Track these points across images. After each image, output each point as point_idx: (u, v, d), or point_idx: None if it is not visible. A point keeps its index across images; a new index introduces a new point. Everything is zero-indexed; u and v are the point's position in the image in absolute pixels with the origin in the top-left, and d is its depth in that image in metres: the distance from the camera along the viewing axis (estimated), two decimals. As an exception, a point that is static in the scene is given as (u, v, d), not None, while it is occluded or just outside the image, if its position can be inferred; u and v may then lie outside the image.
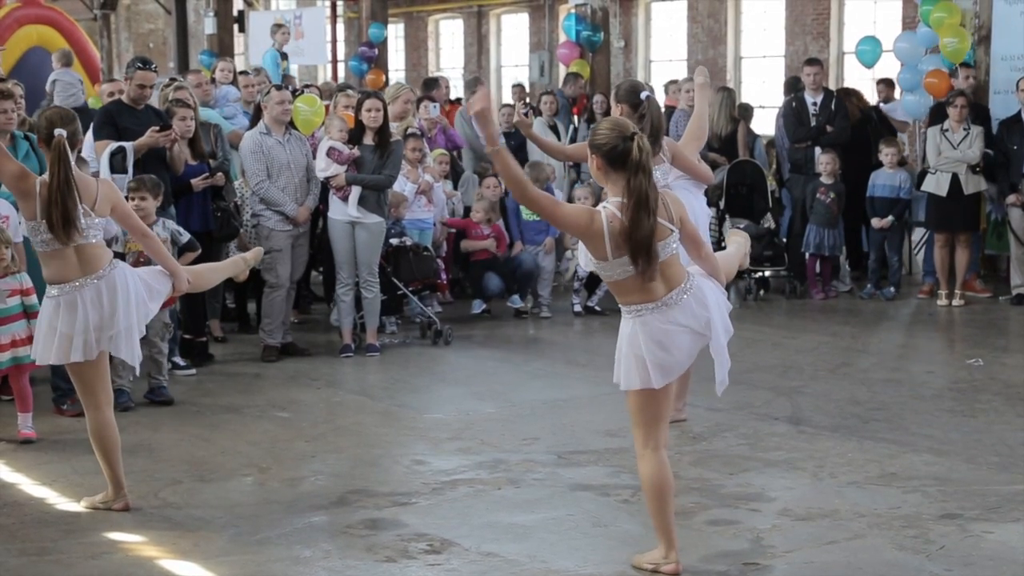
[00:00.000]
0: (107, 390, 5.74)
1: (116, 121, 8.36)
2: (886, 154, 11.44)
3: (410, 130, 10.38)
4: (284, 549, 5.19)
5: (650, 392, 4.82)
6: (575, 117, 13.93)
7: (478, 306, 10.82)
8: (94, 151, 8.39)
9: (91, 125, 8.49)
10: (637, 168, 4.61)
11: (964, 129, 11.01)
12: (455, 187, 11.43)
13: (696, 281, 4.87)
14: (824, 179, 11.45)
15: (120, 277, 5.55)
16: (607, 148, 4.68)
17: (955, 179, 10.99)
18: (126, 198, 7.15)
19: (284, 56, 15.87)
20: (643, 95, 6.72)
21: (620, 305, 4.90)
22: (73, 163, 5.50)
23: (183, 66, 25.96)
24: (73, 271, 5.47)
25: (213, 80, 11.52)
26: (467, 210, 11.25)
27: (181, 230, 7.90)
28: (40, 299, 7.01)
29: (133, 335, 5.59)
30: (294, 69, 25.20)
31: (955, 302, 11.02)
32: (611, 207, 4.69)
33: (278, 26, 16.37)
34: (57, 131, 5.44)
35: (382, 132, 9.14)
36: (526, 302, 10.80)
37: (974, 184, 11.07)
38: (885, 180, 11.46)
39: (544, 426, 7.13)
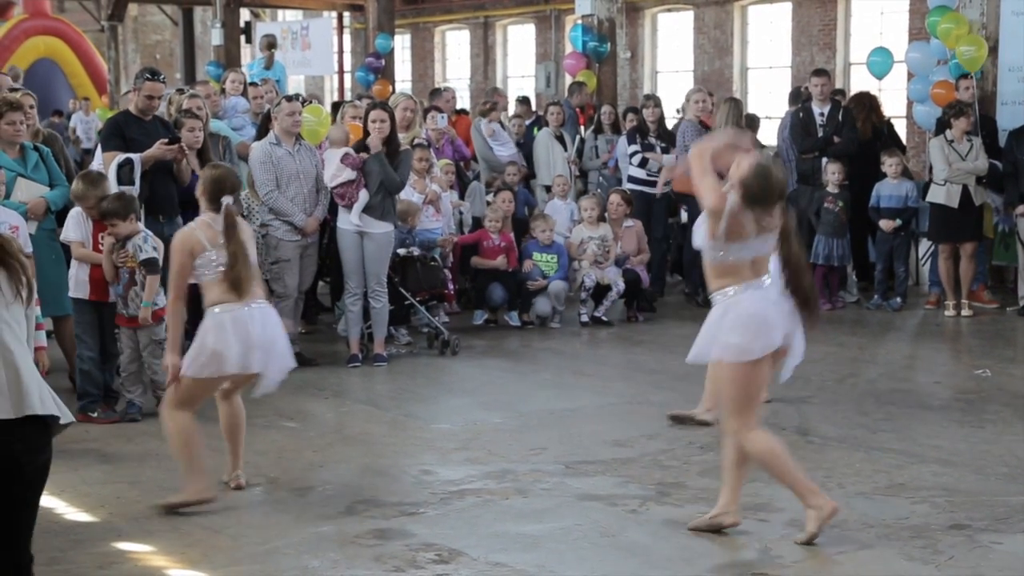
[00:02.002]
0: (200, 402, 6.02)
1: (124, 132, 8.37)
2: (889, 165, 11.44)
3: (417, 141, 10.40)
4: (292, 559, 5.19)
5: (749, 367, 5.17)
6: (581, 128, 13.95)
7: (479, 316, 10.83)
8: (103, 163, 8.41)
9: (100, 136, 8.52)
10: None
11: (968, 140, 11.02)
12: (461, 197, 11.45)
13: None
14: (831, 188, 11.45)
15: (270, 310, 6.07)
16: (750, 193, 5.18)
17: (965, 190, 10.99)
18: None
19: (269, 67, 15.88)
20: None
21: (712, 292, 5.42)
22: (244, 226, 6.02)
23: (190, 77, 26.09)
24: (235, 297, 5.88)
25: (223, 91, 11.56)
26: (475, 220, 11.27)
27: (143, 246, 7.45)
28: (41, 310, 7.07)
29: (285, 361, 6.04)
30: (300, 81, 25.34)
31: (963, 313, 11.01)
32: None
33: (270, 43, 16.36)
34: (224, 200, 5.91)
35: (390, 142, 9.16)
36: (529, 315, 10.79)
37: (981, 195, 11.08)
38: (891, 191, 11.46)
39: (552, 436, 7.13)
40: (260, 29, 21.58)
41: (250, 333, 5.84)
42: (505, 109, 13.91)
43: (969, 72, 11.69)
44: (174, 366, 5.89)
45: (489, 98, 14.18)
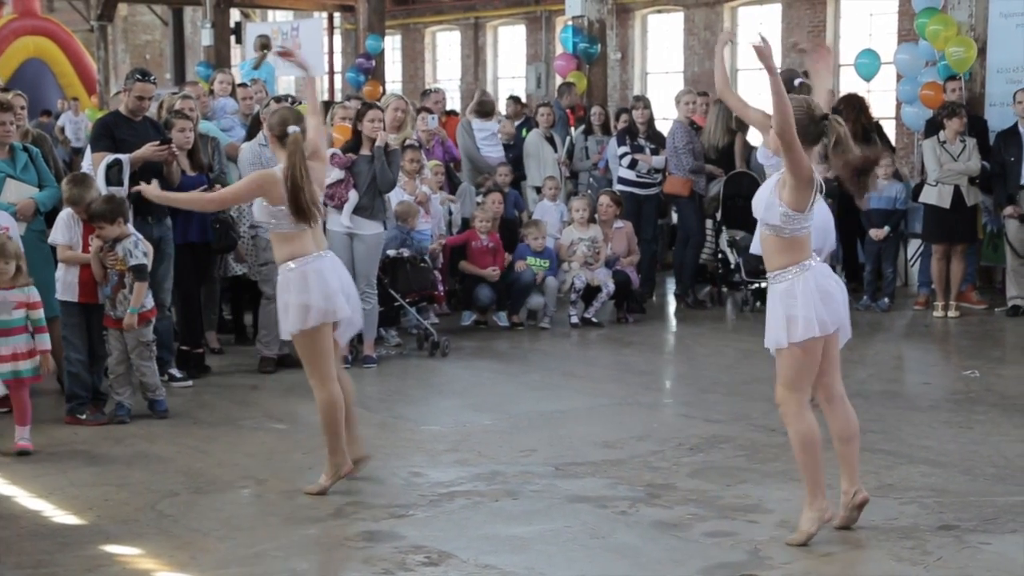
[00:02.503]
0: (332, 364, 6.13)
1: (113, 133, 8.35)
2: (880, 166, 11.45)
3: (408, 142, 10.39)
4: (281, 561, 5.18)
5: (815, 344, 5.21)
6: (572, 129, 13.95)
7: (468, 317, 10.83)
8: (91, 163, 8.39)
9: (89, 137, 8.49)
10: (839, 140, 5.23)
11: (961, 141, 11.05)
12: (451, 195, 11.43)
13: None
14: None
15: (337, 259, 6.33)
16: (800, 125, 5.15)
17: (957, 191, 11.03)
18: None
19: (257, 67, 15.86)
20: (796, 81, 7.30)
21: (774, 271, 5.30)
22: (306, 154, 6.07)
23: (180, 78, 26.07)
24: (310, 246, 6.08)
25: (211, 92, 11.54)
26: (464, 221, 11.27)
27: (134, 251, 7.46)
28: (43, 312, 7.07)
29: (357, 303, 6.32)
30: (290, 82, 25.29)
31: (951, 314, 11.04)
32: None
33: (263, 42, 16.34)
34: (291, 128, 6.05)
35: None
36: (518, 316, 10.80)
37: (973, 195, 11.12)
38: (880, 192, 11.48)
39: (541, 438, 7.13)
40: (250, 30, 21.53)
41: (327, 281, 6.04)
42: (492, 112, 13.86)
43: (958, 73, 11.72)
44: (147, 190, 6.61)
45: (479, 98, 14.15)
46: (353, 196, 9.04)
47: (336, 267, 6.22)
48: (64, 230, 7.60)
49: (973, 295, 11.55)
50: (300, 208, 5.98)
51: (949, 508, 5.72)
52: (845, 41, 18.03)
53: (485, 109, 13.01)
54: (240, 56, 22.95)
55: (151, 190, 6.75)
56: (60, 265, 7.65)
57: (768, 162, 7.44)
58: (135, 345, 7.54)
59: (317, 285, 6.00)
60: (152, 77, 8.55)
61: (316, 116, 6.46)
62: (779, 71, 7.33)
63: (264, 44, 16.27)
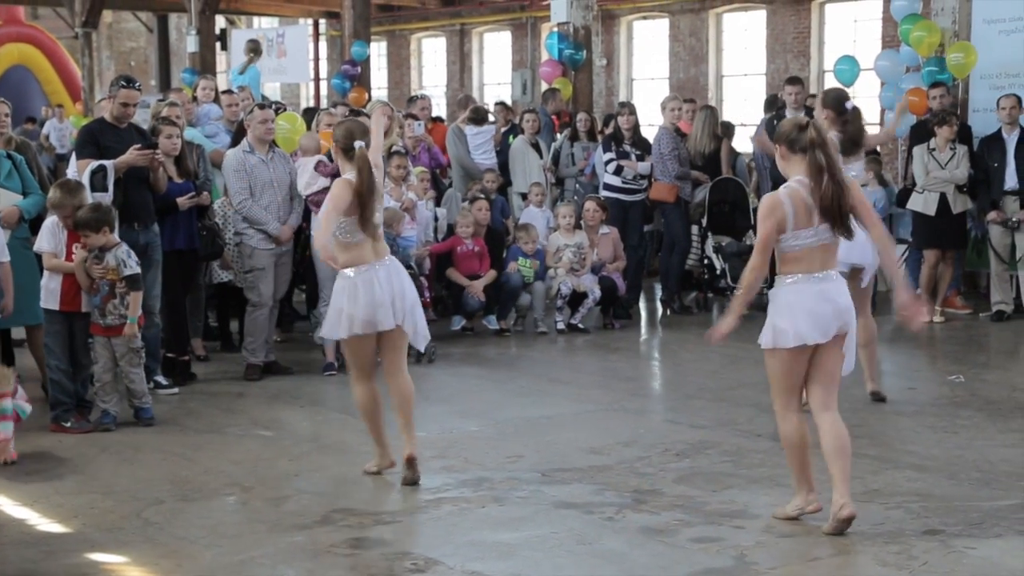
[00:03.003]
0: (367, 367, 6.52)
1: (98, 140, 8.34)
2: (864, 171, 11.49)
3: (395, 148, 10.39)
4: (267, 568, 5.17)
5: (790, 355, 5.45)
6: (557, 135, 13.95)
7: (457, 322, 10.84)
8: (77, 170, 8.37)
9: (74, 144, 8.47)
10: (813, 146, 5.44)
11: (951, 149, 11.10)
12: (438, 204, 11.44)
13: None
14: None
15: (399, 265, 6.48)
16: (786, 137, 5.59)
17: (943, 198, 11.07)
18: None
19: (243, 72, 15.84)
20: (848, 104, 7.70)
21: (781, 274, 5.60)
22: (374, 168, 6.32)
23: (165, 84, 25.99)
24: (370, 256, 6.32)
25: (195, 99, 11.52)
26: (450, 228, 11.27)
27: (128, 261, 7.49)
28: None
29: (418, 314, 6.46)
30: (276, 88, 25.29)
31: (936, 319, 11.08)
32: (793, 184, 5.53)
33: (253, 46, 16.34)
34: (357, 143, 6.29)
35: None
36: (507, 320, 10.81)
37: (961, 203, 11.17)
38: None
39: (528, 444, 7.13)
40: (236, 36, 21.51)
41: (375, 293, 6.24)
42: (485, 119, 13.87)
43: (946, 79, 11.78)
44: None
45: (463, 104, 14.16)
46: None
47: (392, 276, 6.35)
48: (49, 238, 7.58)
49: (957, 300, 11.61)
50: (367, 219, 6.26)
51: (934, 513, 5.74)
52: (829, 47, 18.09)
53: (480, 115, 13.04)
54: (226, 63, 22.95)
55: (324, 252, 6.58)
56: (45, 272, 7.63)
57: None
58: (125, 352, 7.53)
59: (365, 297, 6.24)
60: (137, 84, 8.53)
61: (376, 136, 6.57)
62: (828, 91, 7.87)
63: (254, 48, 16.26)
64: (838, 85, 13.50)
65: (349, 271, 6.31)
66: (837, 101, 7.94)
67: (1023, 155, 10.94)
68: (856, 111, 7.93)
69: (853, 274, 7.39)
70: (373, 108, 10.66)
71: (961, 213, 11.22)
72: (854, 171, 7.60)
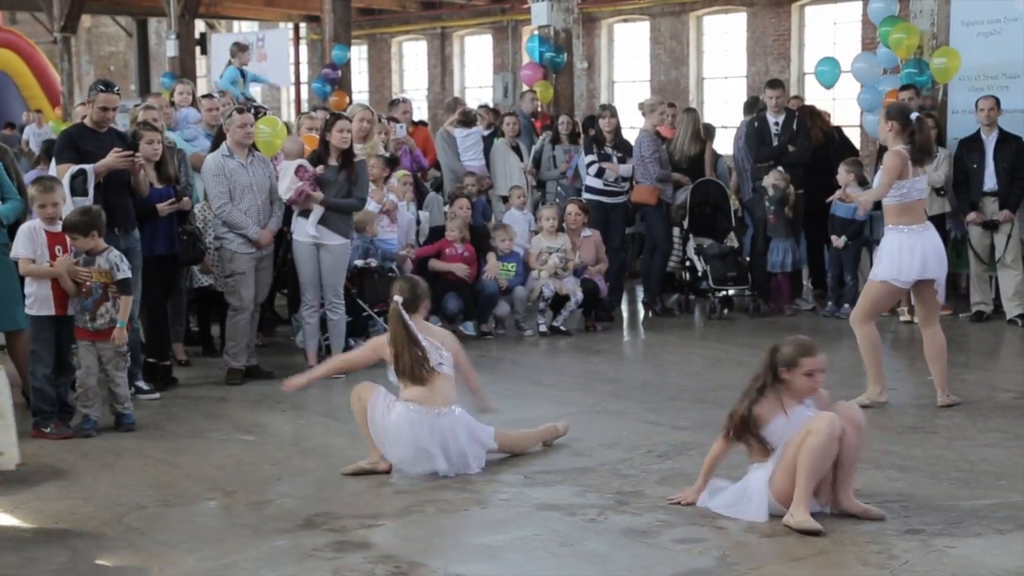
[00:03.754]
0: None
1: (78, 144, 8.30)
2: (845, 174, 11.52)
3: (378, 152, 10.39)
4: (250, 573, 5.16)
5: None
6: (538, 138, 13.94)
7: (434, 323, 10.81)
8: (57, 175, 8.34)
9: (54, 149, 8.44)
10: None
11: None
12: (420, 207, 11.44)
13: None
14: (772, 193, 11.51)
15: (462, 418, 6.64)
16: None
17: (919, 200, 11.12)
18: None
19: (243, 75, 15.85)
20: (913, 116, 7.98)
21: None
22: (410, 322, 6.66)
23: (144, 88, 25.94)
24: (427, 399, 6.56)
25: (172, 103, 11.49)
26: (431, 231, 11.26)
27: (120, 265, 7.51)
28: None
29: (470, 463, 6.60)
30: (256, 90, 25.21)
31: (915, 319, 11.11)
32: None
33: (239, 46, 16.35)
34: (394, 299, 6.67)
35: (346, 153, 9.16)
36: (487, 325, 10.81)
37: (938, 205, 11.23)
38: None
39: (510, 446, 7.13)
40: (215, 40, 21.50)
41: (418, 438, 6.48)
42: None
43: (912, 84, 11.82)
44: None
45: (451, 107, 14.17)
46: (318, 209, 9.04)
47: (446, 428, 6.52)
48: (26, 242, 7.54)
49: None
50: (401, 370, 6.62)
51: (915, 512, 5.77)
52: (809, 50, 18.17)
53: (469, 118, 13.06)
54: (206, 67, 22.89)
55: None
56: (30, 280, 7.57)
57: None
58: (112, 356, 7.52)
59: (425, 435, 6.49)
60: (116, 88, 8.50)
61: (472, 382, 6.96)
62: (891, 104, 8.46)
63: (240, 48, 16.26)
64: (818, 87, 13.57)
65: (412, 404, 6.58)
66: (901, 113, 7.96)
67: (1002, 156, 11.01)
68: (921, 120, 8.01)
69: (924, 287, 8.01)
70: (353, 112, 10.67)
71: (939, 215, 11.27)
72: (921, 184, 8.04)
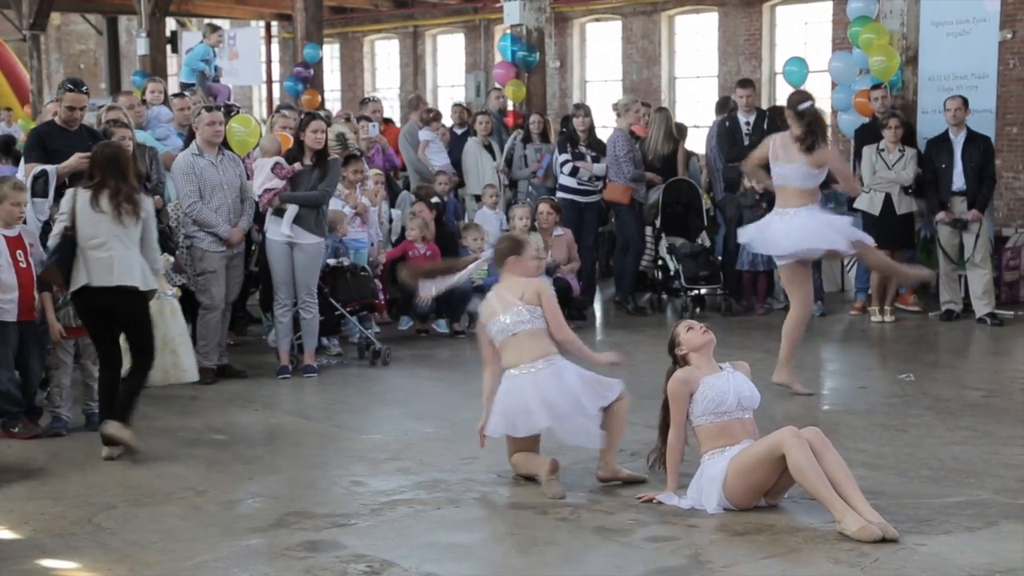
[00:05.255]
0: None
1: (46, 143, 8.21)
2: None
3: (351, 150, 10.35)
4: (221, 572, 5.14)
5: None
6: (511, 136, 13.93)
7: (405, 323, 10.82)
8: (23, 173, 8.27)
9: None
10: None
11: (899, 150, 11.24)
12: (392, 205, 11.42)
13: None
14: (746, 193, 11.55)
15: (565, 368, 6.42)
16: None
17: (888, 198, 11.22)
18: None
19: (210, 62, 15.71)
20: (803, 106, 8.33)
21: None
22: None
23: (115, 87, 25.75)
24: (525, 356, 6.34)
25: (144, 101, 11.43)
26: (403, 229, 11.25)
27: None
28: None
29: (582, 421, 6.30)
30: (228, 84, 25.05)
31: (887, 319, 11.20)
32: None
33: (211, 27, 16.23)
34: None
35: (321, 152, 9.14)
36: (460, 324, 10.80)
37: (906, 204, 11.32)
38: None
39: (483, 445, 7.12)
40: (186, 39, 21.34)
41: (542, 391, 6.25)
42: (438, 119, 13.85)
43: (882, 82, 11.90)
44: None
45: (412, 105, 14.15)
46: (292, 207, 9.01)
47: (554, 380, 6.31)
48: None
49: (911, 298, 11.76)
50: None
51: (885, 510, 5.79)
52: (780, 50, 18.24)
53: (433, 116, 13.07)
54: (176, 65, 22.72)
55: None
56: None
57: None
58: (89, 353, 7.51)
59: (532, 395, 6.25)
60: (84, 87, 8.42)
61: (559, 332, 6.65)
62: (793, 93, 8.79)
63: (213, 29, 16.16)
64: (787, 87, 13.66)
65: (512, 371, 6.40)
66: (793, 102, 8.48)
67: (970, 156, 11.08)
68: (811, 110, 8.37)
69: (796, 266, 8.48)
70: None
71: (908, 214, 11.36)
72: (788, 171, 8.33)
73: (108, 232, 6.95)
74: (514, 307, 6.42)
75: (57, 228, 7.08)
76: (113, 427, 6.85)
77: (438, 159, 12.95)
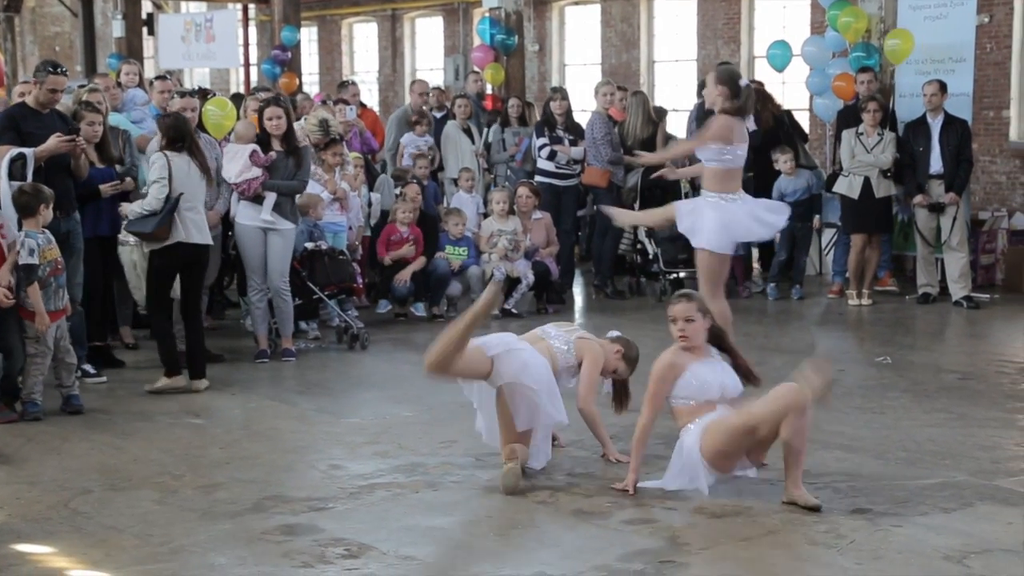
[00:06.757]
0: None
1: (19, 125, 8.13)
2: (783, 162, 11.65)
3: (332, 133, 10.29)
4: (198, 557, 5.12)
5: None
6: (487, 119, 13.89)
7: (384, 306, 10.80)
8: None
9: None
10: None
11: (878, 134, 11.27)
12: (371, 189, 11.38)
13: None
14: None
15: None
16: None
17: (866, 182, 11.25)
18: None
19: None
20: (742, 82, 7.75)
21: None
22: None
23: (91, 69, 25.56)
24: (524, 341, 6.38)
25: (119, 84, 11.34)
26: (383, 213, 11.21)
27: (33, 250, 7.32)
28: None
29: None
30: (205, 73, 24.96)
31: (864, 302, 11.24)
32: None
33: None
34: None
35: (288, 138, 9.09)
36: (439, 307, 10.79)
37: (885, 188, 11.35)
38: (791, 185, 11.65)
39: (461, 429, 7.11)
40: (163, 21, 21.22)
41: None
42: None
43: (870, 66, 11.92)
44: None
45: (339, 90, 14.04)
46: (271, 194, 8.97)
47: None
48: None
49: (890, 280, 11.83)
50: None
51: (862, 492, 5.83)
52: (759, 33, 18.23)
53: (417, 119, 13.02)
54: (153, 48, 22.59)
55: None
56: None
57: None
58: (64, 333, 7.52)
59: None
60: (64, 69, 8.37)
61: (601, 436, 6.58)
62: (726, 69, 7.93)
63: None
64: (769, 70, 13.65)
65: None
66: (731, 79, 7.75)
67: (947, 140, 11.12)
68: (750, 88, 7.80)
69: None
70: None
71: (886, 197, 11.39)
72: (742, 151, 7.63)
73: (197, 195, 8.09)
74: (565, 339, 6.60)
75: (160, 191, 7.93)
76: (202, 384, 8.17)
77: (424, 144, 12.86)
